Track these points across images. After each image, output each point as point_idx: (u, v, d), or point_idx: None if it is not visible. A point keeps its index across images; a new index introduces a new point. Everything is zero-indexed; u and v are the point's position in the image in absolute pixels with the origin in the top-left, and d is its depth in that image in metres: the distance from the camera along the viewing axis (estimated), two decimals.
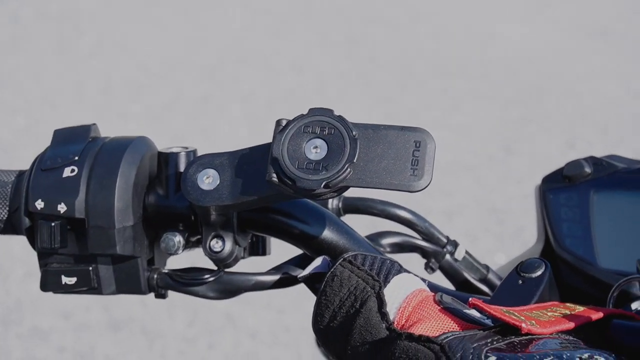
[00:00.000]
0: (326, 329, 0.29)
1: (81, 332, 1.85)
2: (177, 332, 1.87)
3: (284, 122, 0.32)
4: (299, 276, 0.36)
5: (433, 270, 0.42)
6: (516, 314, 0.25)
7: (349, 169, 0.30)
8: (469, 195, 2.39)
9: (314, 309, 0.30)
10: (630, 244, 0.37)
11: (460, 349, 0.22)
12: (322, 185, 0.29)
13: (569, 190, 0.39)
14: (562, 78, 3.21)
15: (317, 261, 0.34)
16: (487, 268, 0.43)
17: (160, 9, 3.80)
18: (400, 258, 0.36)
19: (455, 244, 0.42)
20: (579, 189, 0.39)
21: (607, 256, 0.37)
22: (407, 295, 0.28)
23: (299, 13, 3.86)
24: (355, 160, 0.30)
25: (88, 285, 0.36)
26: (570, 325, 0.26)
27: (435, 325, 0.25)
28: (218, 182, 0.33)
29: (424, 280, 0.31)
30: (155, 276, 0.38)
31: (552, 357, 0.22)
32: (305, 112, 0.32)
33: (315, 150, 0.31)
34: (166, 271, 0.40)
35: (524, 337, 0.24)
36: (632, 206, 0.37)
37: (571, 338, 0.26)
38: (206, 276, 0.37)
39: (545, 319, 0.26)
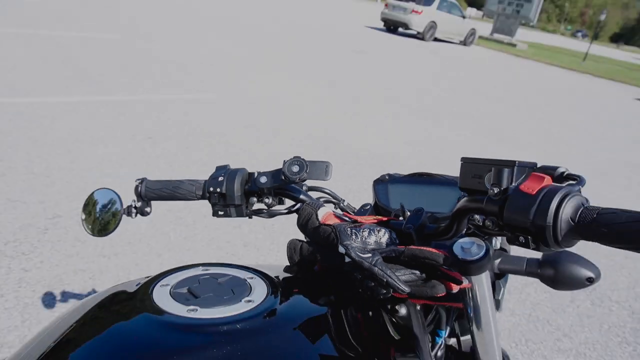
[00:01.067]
0: (301, 226, 0.69)
1: None
2: None
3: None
4: (291, 209, 0.82)
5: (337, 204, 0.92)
6: (358, 219, 0.69)
7: None
8: None
9: (297, 219, 0.70)
10: (406, 203, 0.76)
11: (339, 227, 0.63)
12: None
13: (381, 184, 0.91)
14: None
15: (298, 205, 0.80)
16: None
17: None
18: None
19: (342, 200, 0.91)
20: (384, 183, 0.91)
21: (395, 206, 0.82)
22: (325, 213, 0.68)
23: None
24: None
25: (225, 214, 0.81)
26: (375, 221, 0.69)
27: (332, 221, 0.67)
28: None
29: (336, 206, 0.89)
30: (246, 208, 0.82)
31: (367, 226, 0.64)
32: None
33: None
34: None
35: (360, 224, 0.66)
36: (402, 188, 0.90)
37: (375, 224, 0.66)
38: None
39: (369, 220, 0.69)
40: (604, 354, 2.34)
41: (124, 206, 0.80)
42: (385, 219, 0.69)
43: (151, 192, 0.80)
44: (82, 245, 2.47)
